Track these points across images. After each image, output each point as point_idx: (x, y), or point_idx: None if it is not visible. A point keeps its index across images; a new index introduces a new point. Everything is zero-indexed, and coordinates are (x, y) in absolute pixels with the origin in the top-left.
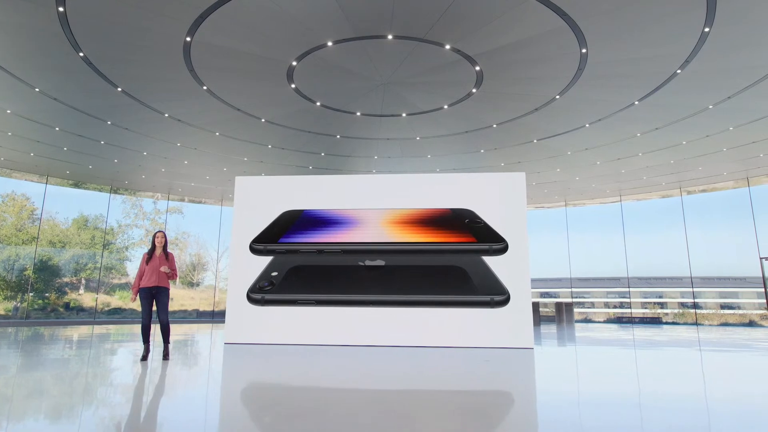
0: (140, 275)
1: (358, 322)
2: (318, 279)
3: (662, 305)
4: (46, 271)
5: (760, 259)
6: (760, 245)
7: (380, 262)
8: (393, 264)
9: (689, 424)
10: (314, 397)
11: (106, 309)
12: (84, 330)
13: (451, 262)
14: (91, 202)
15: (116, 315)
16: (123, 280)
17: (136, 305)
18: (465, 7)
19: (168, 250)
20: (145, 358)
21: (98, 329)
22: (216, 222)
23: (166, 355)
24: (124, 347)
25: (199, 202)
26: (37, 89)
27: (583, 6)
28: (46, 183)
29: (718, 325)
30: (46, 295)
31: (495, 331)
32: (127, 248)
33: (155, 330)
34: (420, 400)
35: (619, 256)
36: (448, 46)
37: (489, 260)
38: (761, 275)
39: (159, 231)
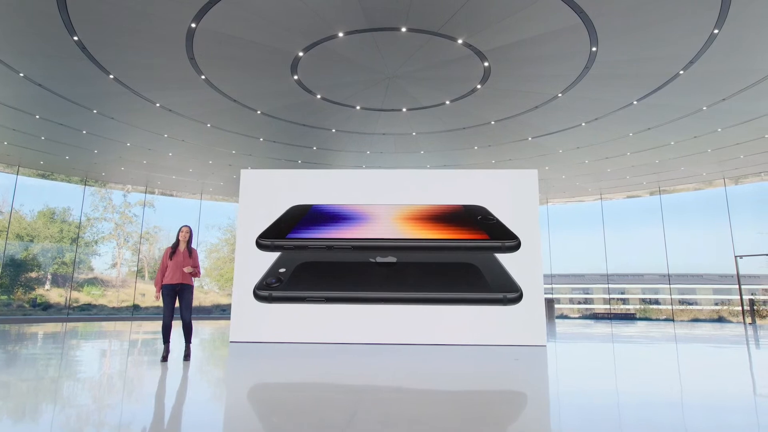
0: (162, 271)
1: (368, 319)
2: (327, 276)
3: (625, 301)
4: (14, 266)
5: (735, 257)
6: (735, 244)
7: (391, 259)
8: (404, 261)
9: None
10: (345, 398)
11: (74, 305)
12: (59, 327)
13: (463, 260)
14: (57, 194)
15: (85, 312)
16: (90, 275)
17: (119, 302)
18: (484, 1)
19: (192, 246)
20: (165, 358)
21: (81, 327)
22: (190, 215)
23: (187, 356)
24: (127, 348)
25: (171, 195)
26: (21, 74)
27: (601, 3)
28: (17, 174)
29: (689, 321)
30: (14, 290)
31: (507, 328)
32: (96, 242)
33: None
34: (444, 402)
35: (597, 252)
36: (460, 41)
37: (501, 257)
38: (735, 273)
39: (185, 225)
